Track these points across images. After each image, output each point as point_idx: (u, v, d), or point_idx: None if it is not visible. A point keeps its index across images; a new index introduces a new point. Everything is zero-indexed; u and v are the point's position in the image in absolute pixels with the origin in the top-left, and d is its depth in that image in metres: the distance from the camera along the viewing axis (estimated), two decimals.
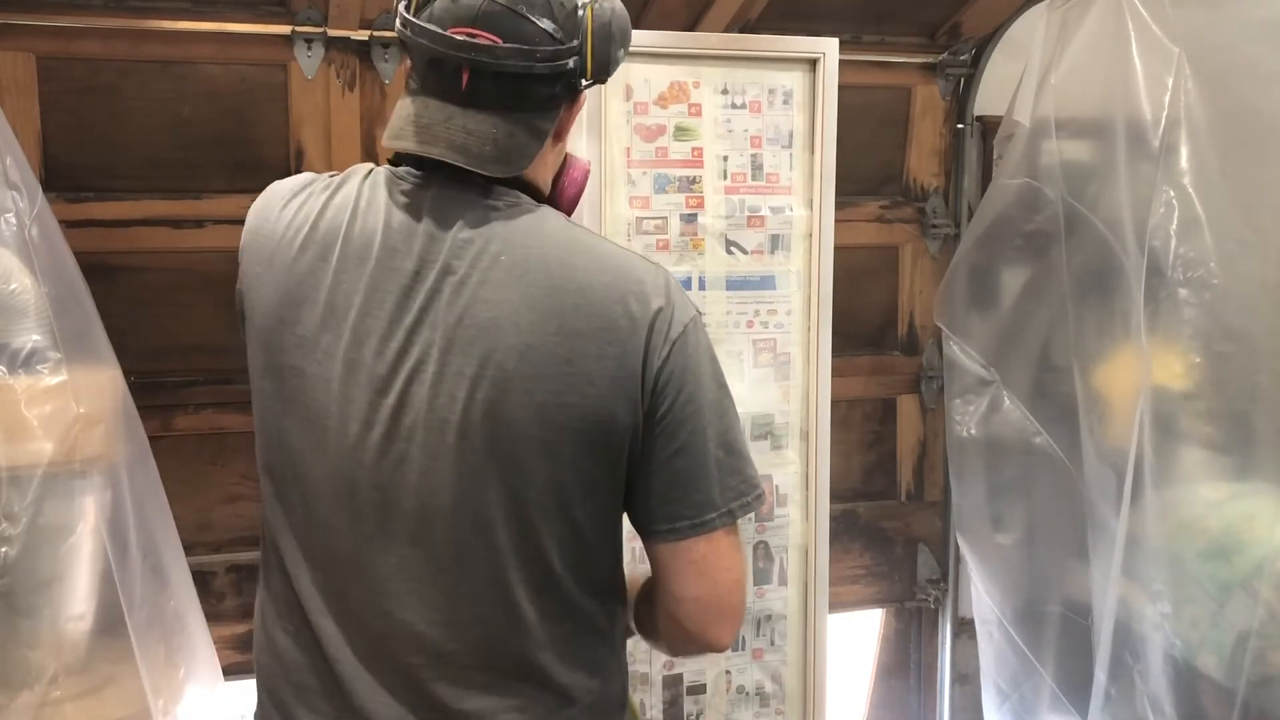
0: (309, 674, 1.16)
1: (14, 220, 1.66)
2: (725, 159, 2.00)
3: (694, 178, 1.98)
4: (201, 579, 2.21)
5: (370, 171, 1.19)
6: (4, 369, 1.63)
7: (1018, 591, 2.35)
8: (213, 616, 2.11)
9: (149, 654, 1.74)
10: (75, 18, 2.11)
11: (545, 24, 1.06)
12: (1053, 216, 2.17)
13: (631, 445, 1.08)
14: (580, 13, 1.10)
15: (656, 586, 1.17)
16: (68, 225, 1.84)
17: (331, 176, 1.23)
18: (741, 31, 2.43)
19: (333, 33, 2.25)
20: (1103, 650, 1.96)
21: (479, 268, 1.06)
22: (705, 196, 1.99)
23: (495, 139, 1.07)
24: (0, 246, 1.65)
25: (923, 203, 2.71)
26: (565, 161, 1.23)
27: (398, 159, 1.18)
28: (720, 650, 1.18)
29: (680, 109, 1.97)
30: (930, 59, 2.63)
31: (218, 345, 2.37)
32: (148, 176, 2.23)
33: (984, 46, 2.60)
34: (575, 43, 1.09)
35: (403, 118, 1.12)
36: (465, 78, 1.05)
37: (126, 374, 1.85)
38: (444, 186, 1.11)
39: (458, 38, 1.04)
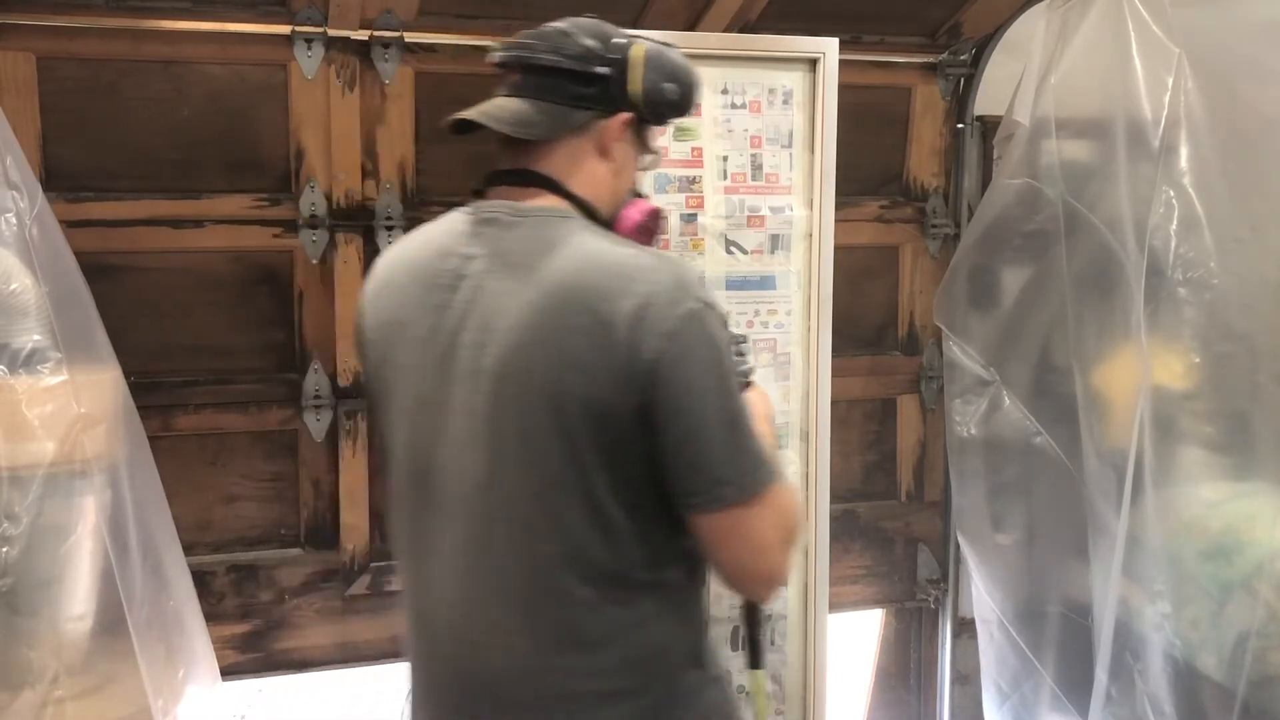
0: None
1: (14, 220, 1.66)
2: (725, 159, 2.00)
3: (694, 178, 1.98)
4: (201, 579, 2.21)
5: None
6: (4, 369, 1.63)
7: (1018, 591, 2.35)
8: (212, 616, 2.11)
9: (149, 654, 1.75)
10: (75, 18, 2.11)
11: (587, 40, 1.28)
12: (1053, 216, 2.17)
13: (634, 431, 1.16)
14: (623, 40, 1.30)
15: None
16: (68, 225, 1.84)
17: None
18: (741, 31, 2.43)
19: (333, 33, 2.25)
20: (1103, 650, 1.96)
21: (493, 275, 1.21)
22: (705, 196, 1.99)
23: (517, 112, 1.26)
24: (0, 246, 1.65)
25: (923, 203, 2.71)
26: (630, 200, 1.38)
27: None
28: (763, 602, 1.35)
29: None
30: (930, 59, 2.63)
31: (218, 345, 2.37)
32: (148, 176, 2.23)
33: (984, 46, 2.60)
34: (614, 57, 1.28)
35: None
36: (517, 76, 1.28)
37: (126, 374, 1.85)
38: (490, 211, 1.28)
39: (517, 43, 1.30)
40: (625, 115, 1.30)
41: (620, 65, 1.27)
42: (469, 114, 1.27)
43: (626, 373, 1.13)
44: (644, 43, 1.31)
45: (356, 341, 1.41)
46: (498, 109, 1.27)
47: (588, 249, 1.21)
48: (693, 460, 1.16)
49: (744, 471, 1.18)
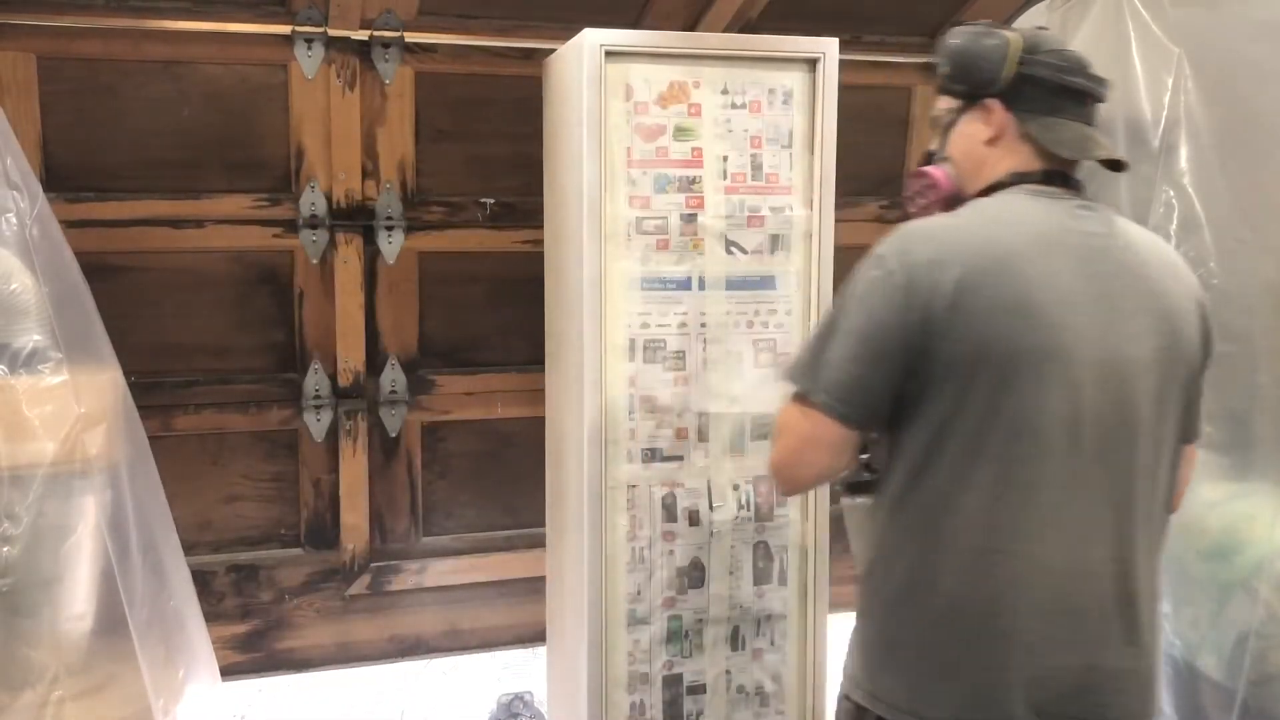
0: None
1: (14, 220, 1.66)
2: (725, 159, 2.00)
3: (694, 178, 1.98)
4: (201, 579, 2.21)
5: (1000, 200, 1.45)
6: (5, 369, 1.63)
7: None
8: (212, 616, 2.11)
9: (149, 654, 1.75)
10: (75, 18, 2.11)
11: None
12: None
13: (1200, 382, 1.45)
14: None
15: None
16: (68, 225, 1.84)
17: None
18: (741, 31, 2.43)
19: (333, 33, 2.25)
20: None
21: (1126, 251, 1.39)
22: (705, 196, 1.99)
23: (1113, 144, 1.47)
24: (1, 246, 1.65)
25: None
26: None
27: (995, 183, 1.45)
28: None
29: (680, 109, 1.97)
30: (930, 59, 2.63)
31: (218, 345, 2.37)
32: (148, 176, 2.24)
33: None
34: None
35: (1056, 133, 1.40)
36: (1090, 105, 1.42)
37: (126, 374, 1.85)
38: (1079, 199, 1.41)
39: (1097, 74, 1.42)
40: None
41: None
42: (1101, 155, 1.44)
43: (1205, 340, 1.42)
44: None
45: (925, 305, 1.31)
46: (1107, 138, 1.46)
47: (1149, 234, 1.47)
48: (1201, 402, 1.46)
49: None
